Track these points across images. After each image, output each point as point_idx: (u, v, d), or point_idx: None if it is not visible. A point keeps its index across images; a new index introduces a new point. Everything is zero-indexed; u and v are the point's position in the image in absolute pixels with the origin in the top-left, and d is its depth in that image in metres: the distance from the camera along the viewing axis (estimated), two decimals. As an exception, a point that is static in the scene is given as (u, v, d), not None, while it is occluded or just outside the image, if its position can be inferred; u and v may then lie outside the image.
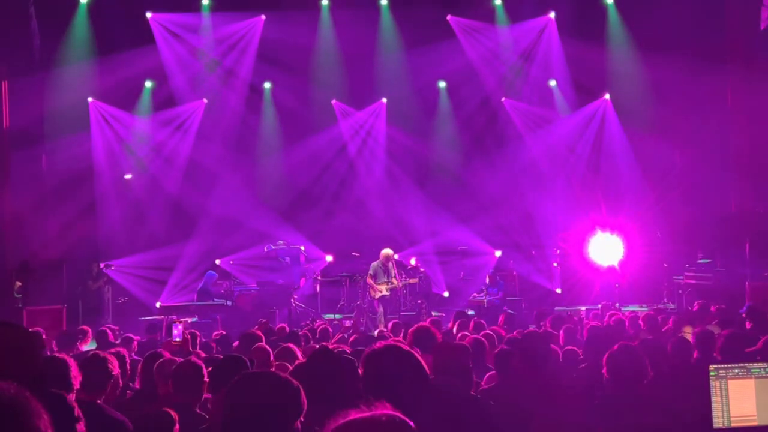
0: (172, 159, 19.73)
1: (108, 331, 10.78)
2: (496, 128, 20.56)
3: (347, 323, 12.66)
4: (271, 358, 6.70)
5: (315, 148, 20.32)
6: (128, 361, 7.69)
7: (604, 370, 5.10)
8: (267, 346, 7.08)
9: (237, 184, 19.73)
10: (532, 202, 19.72)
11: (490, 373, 6.56)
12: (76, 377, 4.81)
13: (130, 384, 7.06)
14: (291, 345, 7.34)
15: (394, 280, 16.19)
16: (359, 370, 3.47)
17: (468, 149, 20.60)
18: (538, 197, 19.74)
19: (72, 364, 4.86)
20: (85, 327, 10.76)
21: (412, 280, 16.77)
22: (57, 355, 5.17)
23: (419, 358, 3.49)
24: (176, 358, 6.33)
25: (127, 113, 19.43)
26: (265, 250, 18.19)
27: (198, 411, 5.05)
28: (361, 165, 20.83)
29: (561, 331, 8.98)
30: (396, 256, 16.70)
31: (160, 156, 19.74)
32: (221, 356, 7.85)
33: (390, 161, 20.69)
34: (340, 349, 6.37)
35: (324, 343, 9.03)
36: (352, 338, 9.71)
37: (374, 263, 16.34)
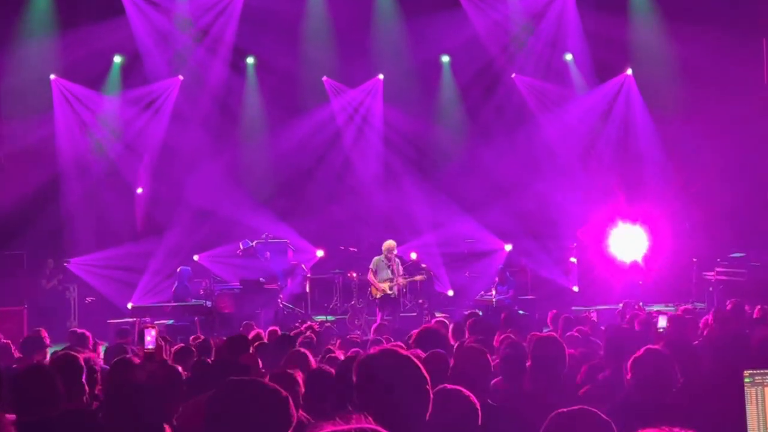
0: (144, 143, 19.67)
1: (87, 334, 10.70)
2: (505, 108, 20.51)
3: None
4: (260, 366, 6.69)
5: (304, 131, 20.28)
6: (99, 369, 7.69)
7: (628, 376, 5.10)
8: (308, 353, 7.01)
9: (217, 171, 19.67)
10: (546, 190, 19.66)
11: (495, 380, 6.56)
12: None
13: (98, 393, 7.03)
14: (305, 350, 7.35)
15: (400, 279, 16.08)
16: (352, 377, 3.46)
17: (474, 131, 20.57)
18: (552, 184, 19.70)
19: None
20: (39, 329, 10.64)
21: (418, 277, 16.72)
22: (41, 363, 5.22)
23: (419, 363, 3.48)
24: (149, 365, 6.32)
25: (93, 92, 19.36)
26: (241, 247, 18.13)
27: (176, 423, 5.05)
28: (355, 149, 20.79)
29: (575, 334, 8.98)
30: (395, 251, 16.61)
31: (131, 139, 19.67)
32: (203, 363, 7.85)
33: (387, 144, 20.65)
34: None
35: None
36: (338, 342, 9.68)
37: (376, 258, 16.22)
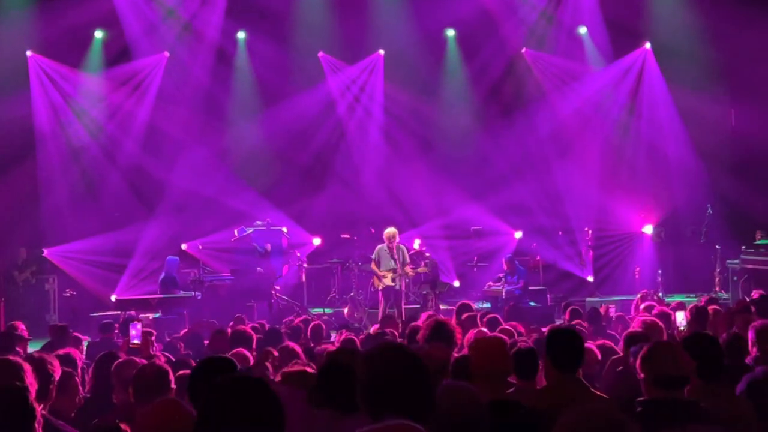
0: (128, 124, 19.63)
1: (68, 329, 10.73)
2: (515, 85, 20.47)
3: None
4: (251, 363, 6.72)
5: (299, 111, 20.22)
6: (80, 365, 7.71)
7: (639, 372, 5.12)
8: (246, 351, 7.08)
9: (206, 154, 19.67)
10: (559, 174, 19.67)
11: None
12: (33, 384, 4.84)
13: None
14: (292, 344, 7.36)
15: (408, 269, 16.01)
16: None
17: (482, 110, 20.51)
18: (566, 167, 19.69)
19: (27, 368, 4.91)
20: (17, 323, 10.67)
21: (421, 269, 16.69)
22: (10, 358, 5.22)
23: (422, 359, 3.49)
24: (136, 359, 6.33)
25: (73, 69, 19.31)
26: (236, 234, 18.11)
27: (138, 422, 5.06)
28: (354, 130, 20.75)
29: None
30: (396, 239, 16.55)
31: (114, 121, 19.63)
32: (190, 359, 7.87)
33: (389, 125, 20.61)
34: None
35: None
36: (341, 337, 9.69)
37: (379, 246, 16.19)
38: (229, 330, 9.33)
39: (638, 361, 5.13)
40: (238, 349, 7.24)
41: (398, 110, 20.47)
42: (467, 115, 20.52)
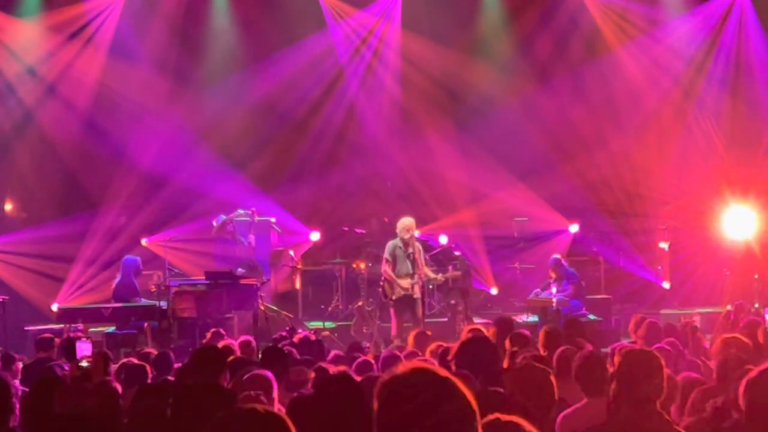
0: (71, 85, 19.61)
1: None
2: (570, 36, 20.39)
3: None
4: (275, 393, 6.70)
5: (292, 69, 20.25)
6: (12, 392, 7.68)
7: (741, 403, 5.20)
8: (268, 374, 7.02)
9: (173, 124, 19.67)
10: (626, 150, 19.61)
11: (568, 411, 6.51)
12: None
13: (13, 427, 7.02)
14: (265, 372, 7.33)
15: (426, 270, 15.90)
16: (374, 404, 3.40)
17: (528, 69, 20.47)
18: (635, 142, 19.64)
19: None
20: None
21: (451, 275, 16.62)
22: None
23: (464, 388, 3.42)
24: (83, 387, 6.30)
25: (3, 14, 19.32)
26: (214, 224, 18.13)
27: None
28: (364, 94, 20.76)
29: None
30: (417, 232, 16.48)
31: (53, 80, 19.61)
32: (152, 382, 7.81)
33: (408, 88, 20.57)
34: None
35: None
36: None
37: (391, 242, 16.02)
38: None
39: (741, 388, 5.11)
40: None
41: (420, 68, 20.41)
42: (509, 73, 20.48)
